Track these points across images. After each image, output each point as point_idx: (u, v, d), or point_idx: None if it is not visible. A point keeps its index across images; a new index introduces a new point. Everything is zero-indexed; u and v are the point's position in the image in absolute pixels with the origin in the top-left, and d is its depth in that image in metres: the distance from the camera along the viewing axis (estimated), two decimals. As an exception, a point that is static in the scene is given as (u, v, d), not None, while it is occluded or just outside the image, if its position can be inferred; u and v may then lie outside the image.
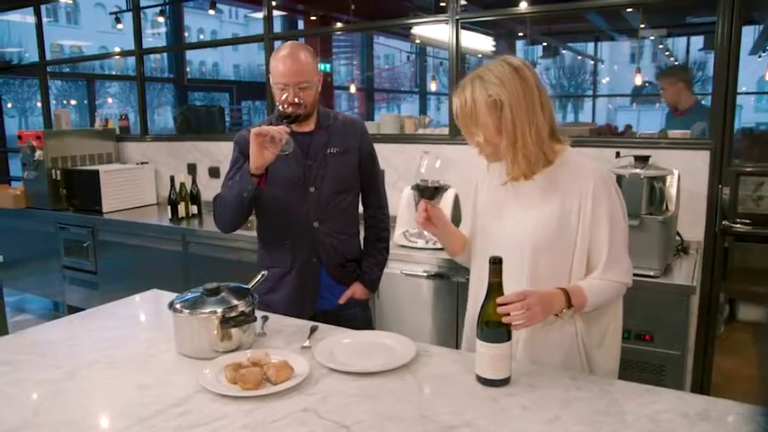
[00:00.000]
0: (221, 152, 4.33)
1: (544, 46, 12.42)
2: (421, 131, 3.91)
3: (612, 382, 1.41)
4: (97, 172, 4.20)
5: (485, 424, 1.21)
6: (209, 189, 4.33)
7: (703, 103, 3.70)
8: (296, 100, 1.84)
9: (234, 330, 1.56)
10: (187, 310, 1.56)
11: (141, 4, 4.95)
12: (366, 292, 2.15)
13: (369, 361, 1.50)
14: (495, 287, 1.38)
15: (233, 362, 1.41)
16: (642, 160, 2.46)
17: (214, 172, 4.35)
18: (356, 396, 1.34)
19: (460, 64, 3.30)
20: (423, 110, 16.80)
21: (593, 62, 16.35)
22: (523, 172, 1.52)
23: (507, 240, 1.57)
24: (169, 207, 3.90)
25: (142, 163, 4.58)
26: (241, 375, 1.34)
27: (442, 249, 2.93)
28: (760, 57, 15.80)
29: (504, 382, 1.37)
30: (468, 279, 2.69)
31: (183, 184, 3.94)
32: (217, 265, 3.57)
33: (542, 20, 8.16)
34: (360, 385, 1.39)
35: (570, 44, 14.24)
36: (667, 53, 14.04)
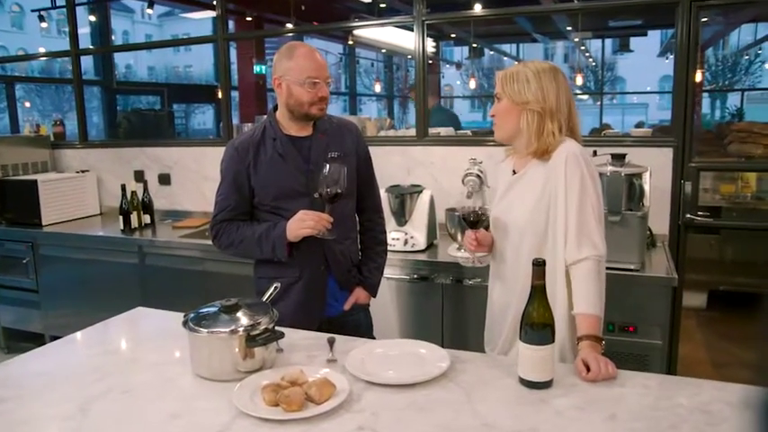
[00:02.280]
0: (171, 158, 4.13)
1: (471, 47, 12.69)
2: (383, 134, 3.88)
3: (648, 376, 1.44)
4: (35, 182, 3.89)
5: (549, 428, 1.20)
6: (160, 197, 4.14)
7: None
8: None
9: (257, 348, 1.47)
10: (205, 330, 1.45)
11: (59, 3, 4.61)
12: (368, 296, 2.11)
13: (405, 371, 1.45)
14: (538, 290, 1.37)
15: (270, 383, 1.33)
16: (619, 158, 2.55)
17: (164, 179, 4.14)
18: (407, 409, 1.29)
19: (426, 66, 3.30)
20: (353, 111, 16.82)
21: (516, 63, 16.87)
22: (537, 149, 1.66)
23: (504, 227, 1.75)
24: (121, 217, 3.66)
25: (82, 171, 4.28)
26: (285, 397, 1.26)
27: (422, 251, 2.92)
28: (668, 59, 16.91)
29: (547, 384, 1.37)
30: (452, 280, 2.72)
31: (134, 193, 3.72)
32: (178, 276, 3.39)
33: (479, 22, 8.32)
34: (405, 398, 1.34)
35: (495, 45, 14.66)
36: (587, 54, 14.79)
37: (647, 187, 2.61)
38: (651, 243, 2.87)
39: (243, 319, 1.48)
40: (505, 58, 15.35)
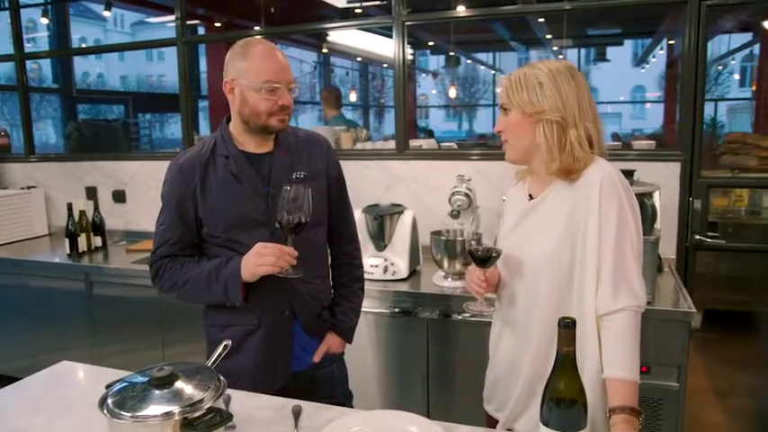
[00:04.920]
0: (126, 173, 3.75)
1: (447, 56, 12.45)
2: (360, 146, 3.56)
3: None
4: (-30, 201, 3.49)
5: None
6: (114, 216, 3.75)
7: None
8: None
9: None
10: (128, 414, 1.10)
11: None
12: (342, 344, 1.77)
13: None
14: (566, 358, 1.05)
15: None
16: (627, 175, 2.25)
17: (119, 196, 3.75)
18: None
19: (406, 72, 2.99)
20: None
21: (493, 72, 16.72)
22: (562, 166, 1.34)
23: (516, 265, 1.44)
24: (67, 240, 3.27)
25: (29, 187, 3.88)
26: None
27: (403, 280, 2.60)
28: (643, 68, 16.93)
29: (577, 481, 1.05)
30: (438, 314, 2.40)
31: (82, 213, 3.34)
32: (129, 307, 3.03)
33: (457, 30, 8.08)
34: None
35: (472, 54, 14.47)
36: (565, 64, 14.72)
37: (657, 207, 2.33)
38: (658, 268, 2.59)
39: (179, 396, 1.13)
40: (482, 67, 15.17)
